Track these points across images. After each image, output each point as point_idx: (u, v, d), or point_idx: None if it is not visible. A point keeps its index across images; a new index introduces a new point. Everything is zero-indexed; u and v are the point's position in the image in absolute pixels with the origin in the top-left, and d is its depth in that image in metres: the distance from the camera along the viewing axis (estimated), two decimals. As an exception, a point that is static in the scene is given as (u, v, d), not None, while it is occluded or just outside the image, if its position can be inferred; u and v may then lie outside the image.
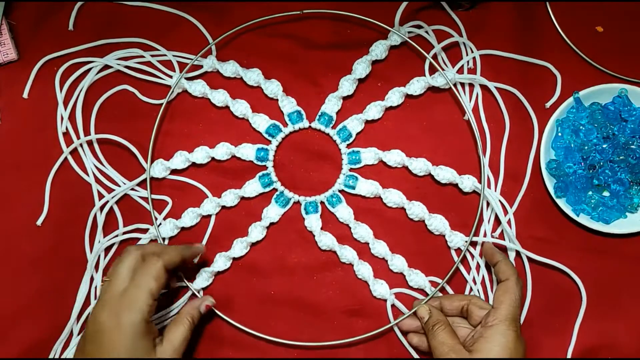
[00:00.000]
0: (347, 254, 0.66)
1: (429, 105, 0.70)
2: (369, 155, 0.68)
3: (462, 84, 0.69)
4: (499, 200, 0.67)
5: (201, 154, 0.68)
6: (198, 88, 0.69)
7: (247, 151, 0.68)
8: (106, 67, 0.71)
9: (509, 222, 0.66)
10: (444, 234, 0.67)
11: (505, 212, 0.67)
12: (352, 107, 0.70)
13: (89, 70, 0.70)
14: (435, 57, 0.69)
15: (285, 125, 0.69)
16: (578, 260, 0.66)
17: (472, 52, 0.69)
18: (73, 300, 0.66)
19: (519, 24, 0.70)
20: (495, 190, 0.67)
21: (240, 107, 0.69)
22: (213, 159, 0.69)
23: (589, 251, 0.66)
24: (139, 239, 0.68)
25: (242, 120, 0.70)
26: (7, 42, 0.70)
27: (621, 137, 0.65)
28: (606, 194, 0.66)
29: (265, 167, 0.69)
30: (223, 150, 0.68)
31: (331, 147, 0.69)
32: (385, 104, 0.69)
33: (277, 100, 0.70)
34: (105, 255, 0.68)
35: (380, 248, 0.66)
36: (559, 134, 0.67)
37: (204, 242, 0.68)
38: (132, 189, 0.69)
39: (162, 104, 0.69)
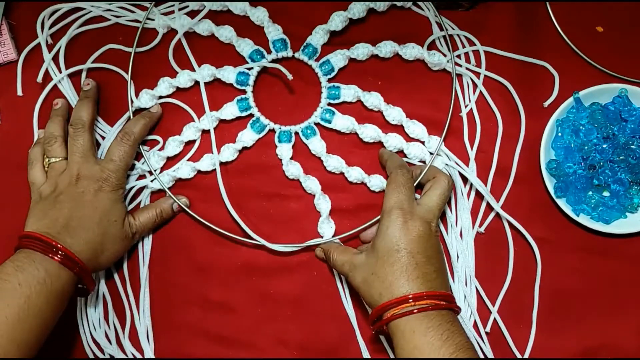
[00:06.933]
0: (312, 185, 0.67)
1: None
2: (349, 92, 0.68)
3: (458, 77, 0.69)
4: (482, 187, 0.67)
5: (184, 78, 0.69)
6: (180, 22, 0.70)
7: (229, 74, 0.69)
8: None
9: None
10: (424, 160, 0.67)
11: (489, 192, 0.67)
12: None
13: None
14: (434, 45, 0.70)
15: (270, 52, 0.70)
16: (578, 260, 0.66)
17: (469, 49, 0.69)
18: (73, 300, 0.66)
19: (519, 24, 0.70)
20: (486, 185, 0.67)
21: (225, 32, 0.70)
22: (197, 82, 0.69)
23: (589, 251, 0.66)
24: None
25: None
26: (7, 42, 0.70)
27: (621, 137, 0.65)
28: (606, 194, 0.66)
29: (244, 92, 0.69)
30: (205, 72, 0.69)
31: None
32: (374, 50, 0.69)
33: (263, 28, 0.70)
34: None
35: (355, 173, 0.67)
36: (559, 134, 0.67)
37: (185, 159, 0.69)
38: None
39: (138, 28, 0.70)
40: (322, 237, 0.67)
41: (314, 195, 0.67)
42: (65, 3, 0.71)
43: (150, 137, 0.69)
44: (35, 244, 0.58)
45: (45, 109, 0.70)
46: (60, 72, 0.70)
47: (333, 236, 0.66)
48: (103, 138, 0.69)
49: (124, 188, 0.65)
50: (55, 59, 0.70)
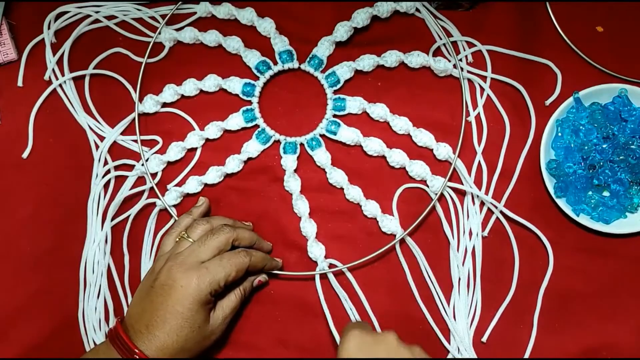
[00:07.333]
0: (301, 206, 0.67)
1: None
2: (354, 104, 0.69)
3: (462, 80, 0.69)
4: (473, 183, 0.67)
5: (189, 87, 0.69)
6: (188, 34, 0.70)
7: (235, 84, 0.69)
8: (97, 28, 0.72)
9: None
10: (425, 179, 0.67)
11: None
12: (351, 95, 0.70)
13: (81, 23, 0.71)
14: (439, 50, 0.70)
15: (276, 63, 0.70)
16: (578, 260, 0.66)
17: (469, 51, 0.69)
18: (73, 300, 0.67)
19: (519, 24, 0.70)
20: (489, 187, 0.67)
21: (232, 42, 0.70)
22: (202, 91, 0.69)
23: (589, 251, 0.66)
24: (126, 176, 0.69)
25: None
26: (7, 42, 0.70)
27: (621, 137, 0.65)
28: (606, 194, 0.66)
29: (250, 103, 0.69)
30: (211, 82, 0.69)
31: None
32: (379, 60, 0.69)
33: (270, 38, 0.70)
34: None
35: (354, 193, 0.67)
36: (559, 134, 0.67)
37: (187, 170, 0.69)
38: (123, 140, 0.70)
39: (143, 31, 0.70)
40: (314, 261, 0.66)
41: (300, 218, 0.67)
42: (66, 4, 0.71)
43: (150, 137, 0.69)
44: (117, 345, 0.58)
45: (44, 110, 0.70)
46: (63, 74, 0.70)
47: (327, 260, 0.66)
48: (103, 138, 0.69)
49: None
50: (57, 59, 0.70)
